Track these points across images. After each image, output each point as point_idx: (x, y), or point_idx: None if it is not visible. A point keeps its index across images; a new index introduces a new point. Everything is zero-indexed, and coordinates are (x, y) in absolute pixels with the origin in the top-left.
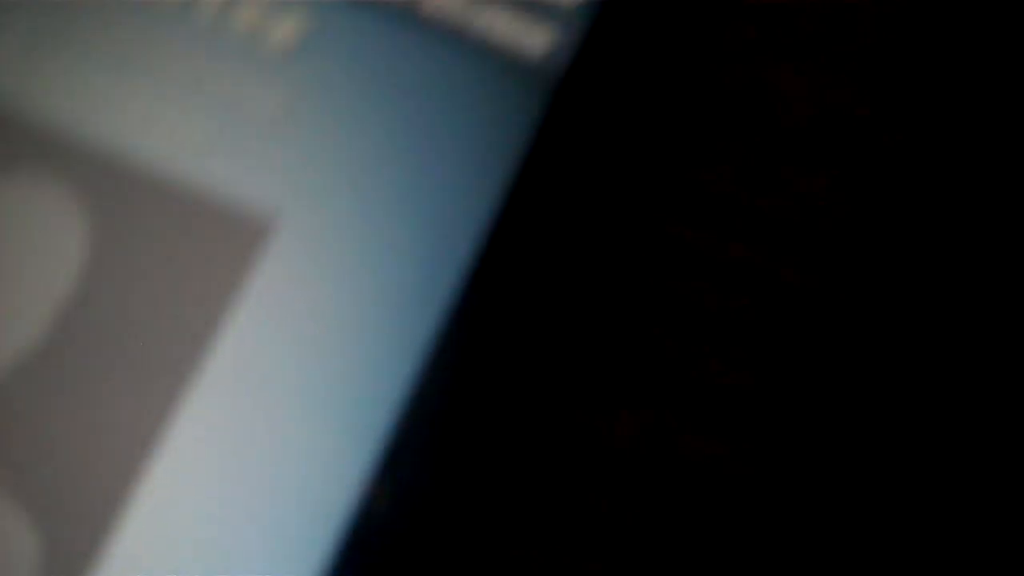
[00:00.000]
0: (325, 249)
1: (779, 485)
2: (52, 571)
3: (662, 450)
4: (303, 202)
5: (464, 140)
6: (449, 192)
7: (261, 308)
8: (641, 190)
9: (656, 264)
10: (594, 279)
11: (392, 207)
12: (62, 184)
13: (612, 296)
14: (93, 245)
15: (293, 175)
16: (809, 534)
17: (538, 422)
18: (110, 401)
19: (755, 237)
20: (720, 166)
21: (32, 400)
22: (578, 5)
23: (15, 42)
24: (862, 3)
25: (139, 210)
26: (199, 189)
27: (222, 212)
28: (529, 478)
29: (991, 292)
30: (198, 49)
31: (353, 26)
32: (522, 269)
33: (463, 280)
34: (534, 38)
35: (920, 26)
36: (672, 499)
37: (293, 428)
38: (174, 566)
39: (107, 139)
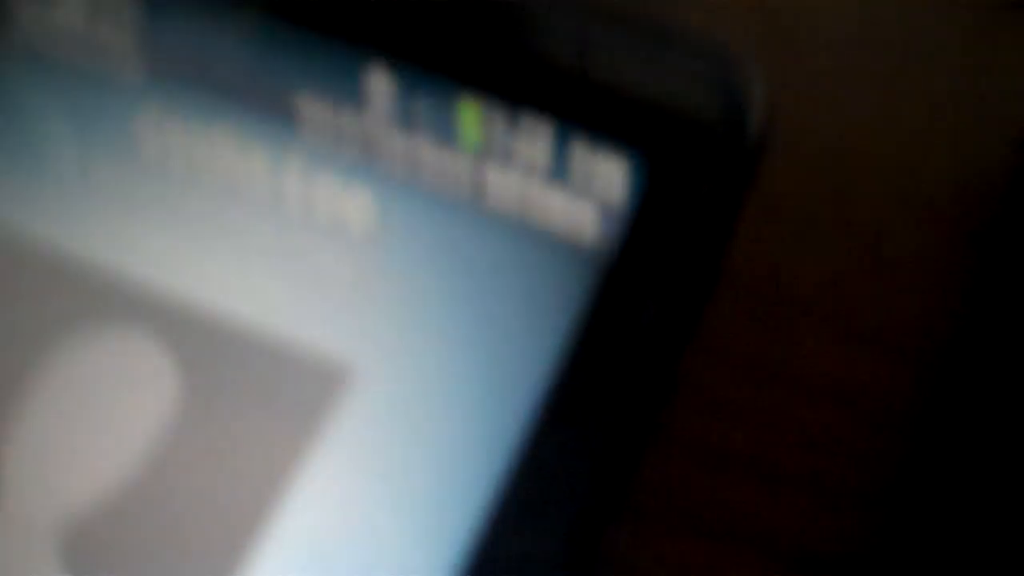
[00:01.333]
0: (397, 401)
1: None
2: None
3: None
4: (378, 358)
5: (522, 310)
6: (511, 354)
7: (337, 453)
8: (678, 352)
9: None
10: (637, 437)
11: (458, 369)
12: (154, 338)
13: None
14: (181, 389)
15: (369, 334)
16: None
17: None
18: (195, 538)
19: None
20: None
21: (130, 534)
22: (626, 195)
23: (116, 204)
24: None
25: (226, 363)
26: (282, 344)
27: (303, 365)
28: None
29: None
30: (285, 228)
31: (424, 213)
32: (574, 430)
33: (526, 434)
34: (586, 223)
35: None
36: None
37: (362, 564)
38: None
39: (198, 299)
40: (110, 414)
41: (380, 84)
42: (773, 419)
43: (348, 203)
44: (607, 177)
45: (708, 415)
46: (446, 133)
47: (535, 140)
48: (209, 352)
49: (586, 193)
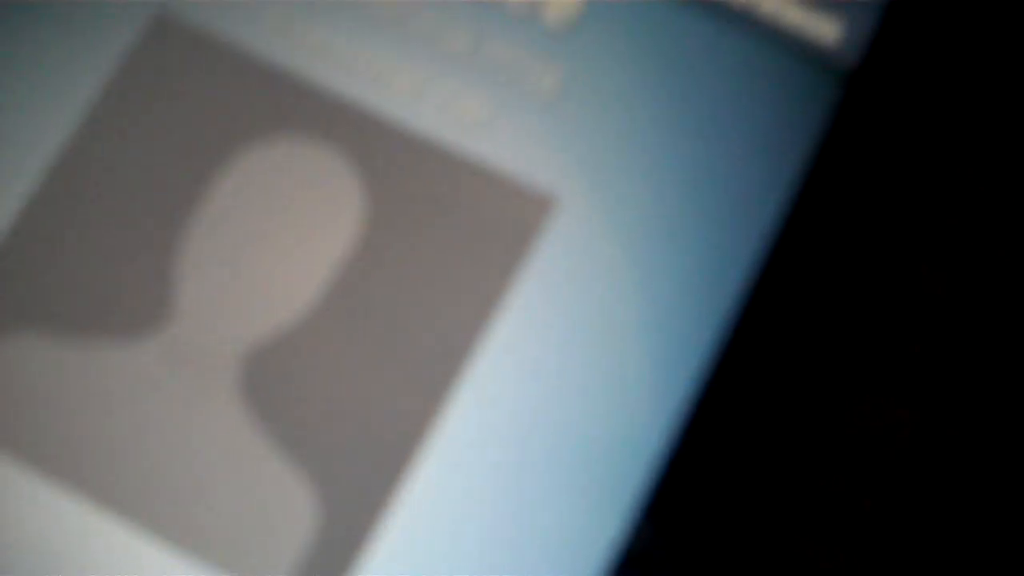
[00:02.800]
0: (607, 232)
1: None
2: (330, 539)
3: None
4: (585, 181)
5: (751, 127)
6: (734, 181)
7: (540, 285)
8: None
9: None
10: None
11: (676, 192)
12: (338, 147)
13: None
14: (368, 210)
15: (574, 152)
16: None
17: (801, 411)
18: (388, 371)
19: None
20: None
21: (314, 365)
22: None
23: (310, 11)
24: None
25: (414, 178)
26: (475, 161)
27: (499, 186)
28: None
29: None
30: (476, 21)
31: (634, 1)
32: (809, 264)
33: (751, 273)
34: (827, 29)
35: None
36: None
37: (569, 412)
38: (445, 549)
39: (382, 106)
40: (293, 234)
41: None
42: None
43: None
44: None
45: None
46: None
47: None
48: (400, 173)
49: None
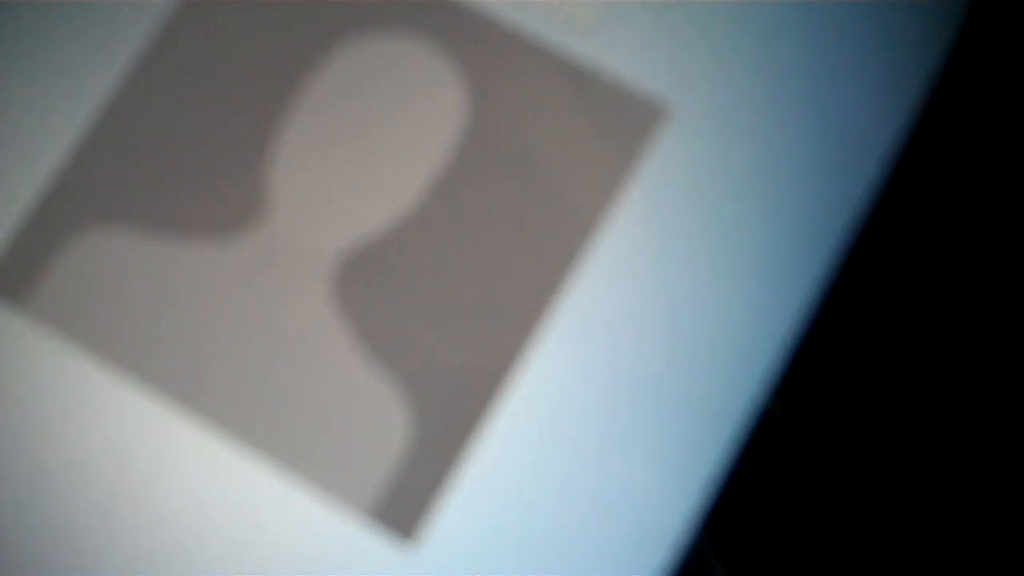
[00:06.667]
0: (720, 147)
1: None
2: (423, 451)
3: None
4: (699, 91)
5: (874, 50)
6: (854, 105)
7: (650, 196)
8: None
9: None
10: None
11: (794, 111)
12: (442, 46)
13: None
14: (471, 113)
15: (689, 61)
16: None
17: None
18: (486, 285)
19: None
20: None
21: (409, 273)
22: None
23: None
24: None
25: (519, 81)
26: (584, 66)
27: (609, 93)
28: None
29: None
30: None
31: None
32: (927, 195)
33: (867, 202)
34: None
35: None
36: None
37: (670, 342)
38: (530, 482)
39: (489, 5)
40: (392, 136)
41: None
42: None
43: None
44: None
45: None
46: None
47: None
48: (506, 76)
49: None
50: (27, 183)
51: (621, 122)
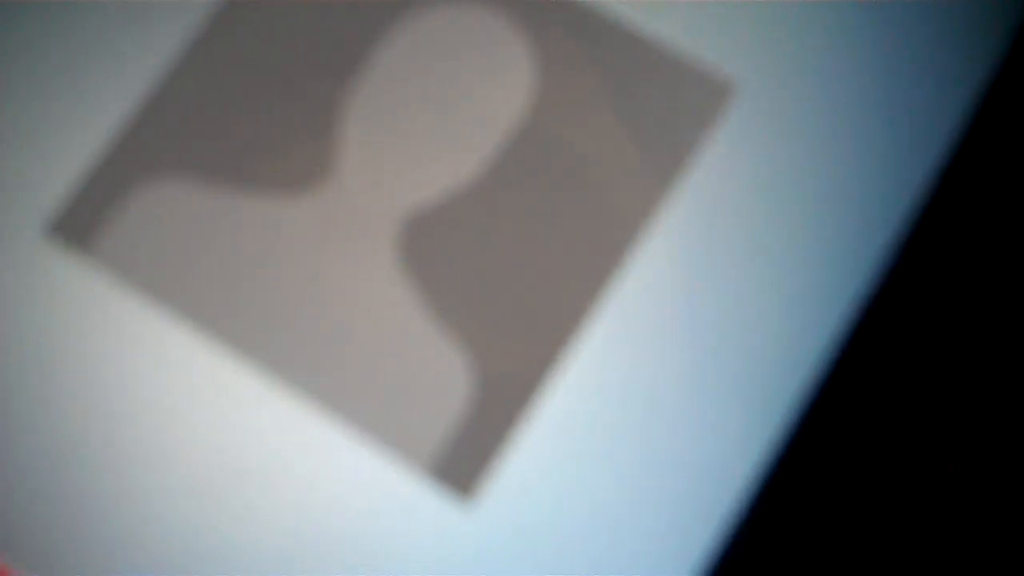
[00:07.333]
0: (786, 126)
1: None
2: (484, 412)
3: None
4: (765, 71)
5: (936, 45)
6: (919, 93)
7: (711, 178)
8: None
9: None
10: None
11: (860, 94)
12: (511, 15)
13: None
14: (538, 83)
15: (759, 40)
16: None
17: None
18: (550, 250)
19: None
20: None
21: (474, 235)
22: None
23: None
24: None
25: (586, 53)
26: (652, 40)
27: (677, 68)
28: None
29: None
30: None
31: None
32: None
33: (928, 188)
34: None
35: None
36: None
37: (727, 317)
38: (593, 437)
39: None
40: (460, 101)
41: None
42: None
43: None
44: None
45: None
46: None
47: None
48: (573, 48)
49: None
50: (97, 130)
51: (688, 98)
